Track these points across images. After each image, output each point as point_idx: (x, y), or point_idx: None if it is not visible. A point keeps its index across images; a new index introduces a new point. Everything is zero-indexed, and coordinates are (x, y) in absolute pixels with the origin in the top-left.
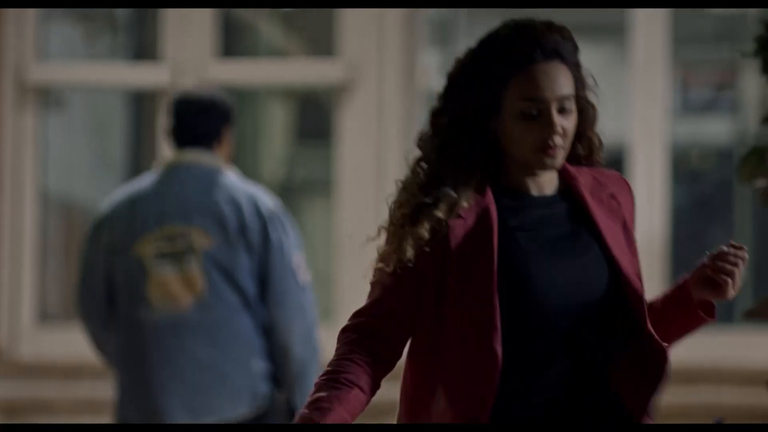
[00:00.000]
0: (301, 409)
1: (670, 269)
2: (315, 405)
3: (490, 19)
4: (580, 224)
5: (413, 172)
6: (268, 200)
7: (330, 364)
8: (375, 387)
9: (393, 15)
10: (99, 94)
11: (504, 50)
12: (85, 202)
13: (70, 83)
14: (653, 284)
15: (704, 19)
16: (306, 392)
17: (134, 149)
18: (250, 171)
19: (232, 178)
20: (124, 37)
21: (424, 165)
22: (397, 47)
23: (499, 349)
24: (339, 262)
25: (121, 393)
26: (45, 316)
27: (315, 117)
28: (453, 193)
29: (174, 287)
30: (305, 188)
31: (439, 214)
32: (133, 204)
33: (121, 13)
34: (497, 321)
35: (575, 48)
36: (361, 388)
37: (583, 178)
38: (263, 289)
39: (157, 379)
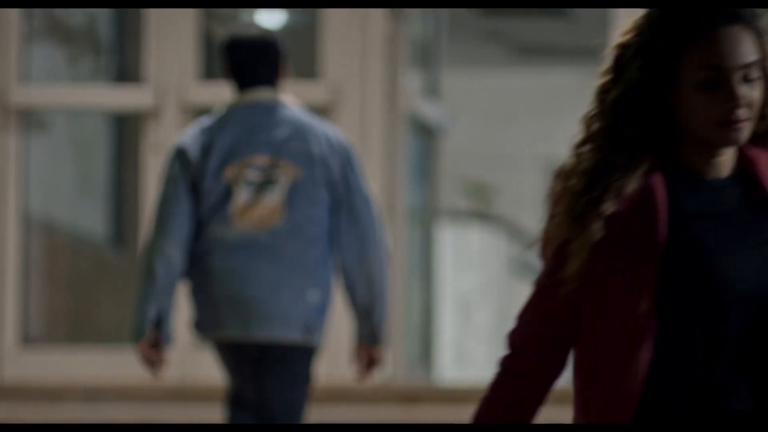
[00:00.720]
0: (480, 407)
1: None
2: (493, 405)
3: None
4: (758, 212)
5: (577, 157)
6: (341, 135)
7: (503, 369)
8: (548, 389)
9: (375, 37)
10: (82, 116)
11: (680, 14)
12: (67, 223)
13: (52, 105)
14: None
15: None
16: (380, 316)
17: (117, 171)
18: None
19: (305, 114)
20: (106, 59)
21: (589, 149)
22: (380, 69)
23: (648, 349)
24: None
25: (197, 305)
26: (27, 339)
27: None
28: (622, 182)
29: (255, 212)
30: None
31: (607, 209)
32: (219, 135)
33: (104, 35)
34: (653, 316)
35: (758, 12)
36: (537, 393)
37: (763, 158)
38: (340, 221)
39: (223, 291)
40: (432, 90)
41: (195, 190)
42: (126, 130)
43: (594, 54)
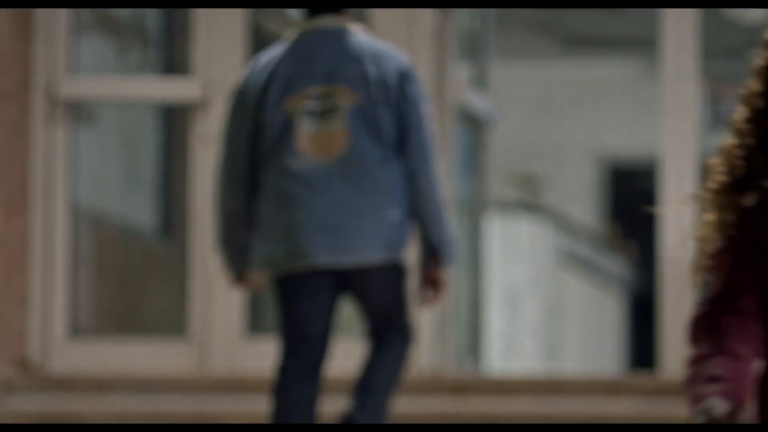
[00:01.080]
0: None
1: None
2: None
3: (520, 32)
4: None
5: (739, 133)
6: (402, 57)
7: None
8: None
9: (423, 29)
10: (130, 108)
11: None
12: (116, 215)
13: (101, 97)
14: (683, 299)
15: (734, 31)
16: (441, 231)
17: (165, 163)
18: None
19: (366, 38)
20: (154, 51)
21: (752, 125)
22: (428, 61)
23: None
24: None
25: (266, 235)
26: (76, 331)
27: None
28: None
29: (320, 142)
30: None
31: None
32: (279, 66)
33: (152, 28)
34: None
35: None
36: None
37: None
38: (401, 140)
39: (303, 221)
40: (480, 82)
41: (257, 123)
42: (174, 121)
43: (642, 45)
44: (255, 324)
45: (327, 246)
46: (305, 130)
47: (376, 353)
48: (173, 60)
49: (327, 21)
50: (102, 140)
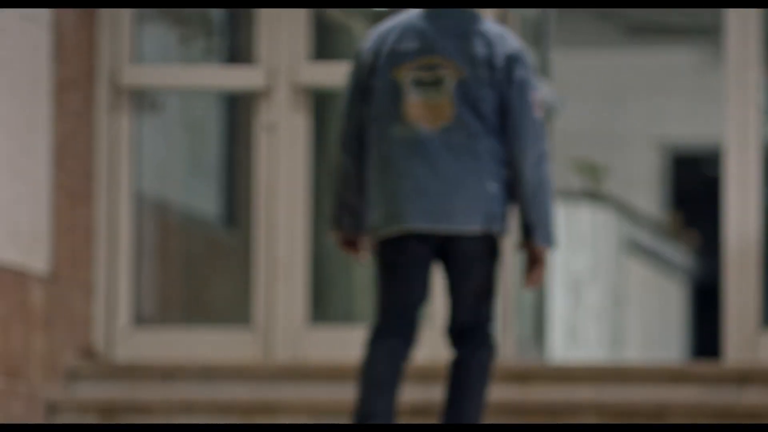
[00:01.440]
0: None
1: (764, 270)
2: None
3: (581, 18)
4: None
5: None
6: (514, 41)
7: None
8: None
9: (486, 17)
10: (193, 97)
11: None
12: (180, 204)
13: (164, 86)
14: (747, 286)
15: None
16: (538, 211)
17: (229, 151)
18: None
19: (483, 20)
20: (218, 40)
21: None
22: None
23: None
24: None
25: (372, 202)
26: (140, 319)
27: None
28: None
29: (426, 111)
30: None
31: None
32: (391, 35)
33: (216, 16)
34: None
35: None
36: None
37: None
38: (503, 120)
39: (402, 187)
40: (543, 70)
41: (368, 89)
42: (238, 110)
43: (705, 33)
44: (318, 313)
45: (425, 212)
46: (412, 98)
47: (463, 374)
48: (237, 49)
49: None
50: (166, 129)
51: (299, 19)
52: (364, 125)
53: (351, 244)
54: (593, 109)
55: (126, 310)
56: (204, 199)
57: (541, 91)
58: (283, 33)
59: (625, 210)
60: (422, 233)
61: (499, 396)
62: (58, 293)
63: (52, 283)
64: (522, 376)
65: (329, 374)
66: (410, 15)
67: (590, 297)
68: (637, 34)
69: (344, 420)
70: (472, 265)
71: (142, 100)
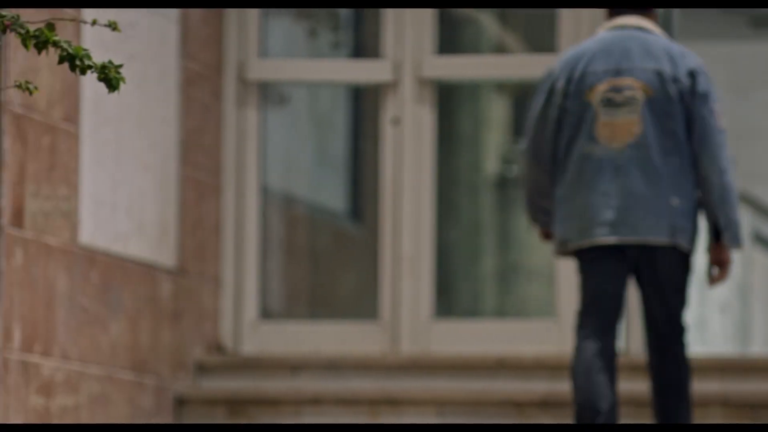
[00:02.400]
0: None
1: None
2: None
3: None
4: None
5: None
6: (694, 56)
7: None
8: None
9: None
10: (320, 90)
11: None
12: (306, 197)
13: (291, 79)
14: None
15: None
16: (726, 215)
17: (355, 145)
18: (471, 165)
19: (664, 39)
20: (344, 34)
21: None
22: None
23: None
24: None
25: (562, 213)
26: (267, 313)
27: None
28: None
29: (616, 130)
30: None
31: None
32: (585, 59)
33: (342, 10)
34: None
35: None
36: None
37: None
38: (689, 132)
39: (593, 201)
40: None
41: (561, 110)
42: (364, 103)
43: None
44: (443, 307)
45: (614, 225)
46: (603, 118)
47: (666, 380)
48: (363, 42)
49: (632, 20)
50: (292, 122)
51: (424, 12)
52: (557, 145)
53: (550, 234)
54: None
55: (253, 304)
56: (330, 193)
57: (722, 103)
58: (408, 26)
59: (751, 202)
60: (612, 245)
61: (625, 390)
62: (185, 287)
63: (180, 277)
64: (645, 369)
65: (454, 367)
66: (597, 39)
67: (716, 291)
68: (761, 26)
69: (468, 412)
70: (662, 275)
71: (269, 93)
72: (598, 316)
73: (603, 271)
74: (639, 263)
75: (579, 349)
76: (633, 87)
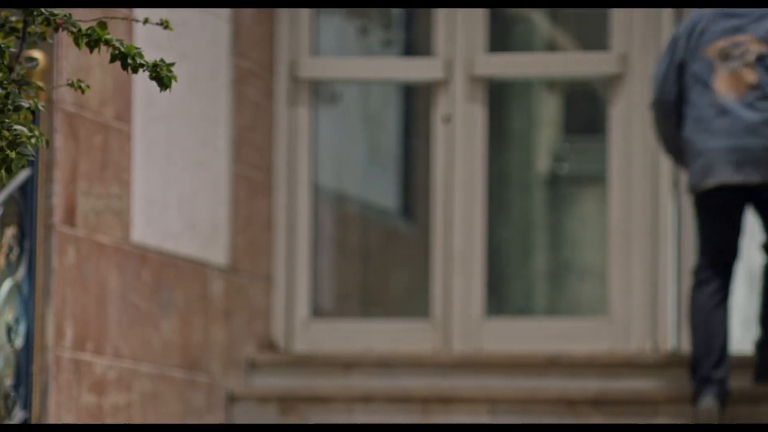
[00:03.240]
0: None
1: None
2: None
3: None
4: None
5: None
6: None
7: None
8: None
9: (665, 9)
10: (371, 88)
11: None
12: (358, 196)
13: (343, 78)
14: None
15: None
16: None
17: (406, 142)
18: (522, 162)
19: None
20: (396, 32)
21: None
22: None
23: None
24: (611, 254)
25: (690, 160)
26: (318, 312)
27: (583, 109)
28: None
29: (733, 82)
30: (575, 180)
31: None
32: (704, 20)
33: (394, 9)
34: None
35: None
36: None
37: None
38: None
39: (715, 145)
40: None
41: (683, 67)
42: (416, 101)
43: None
44: (494, 305)
45: (736, 165)
46: (722, 72)
47: None
48: (415, 40)
49: None
50: (344, 120)
51: (476, 10)
52: (682, 98)
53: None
54: None
55: (305, 302)
56: (381, 191)
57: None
58: (460, 25)
59: None
60: (733, 185)
61: (673, 385)
62: (237, 285)
63: (232, 275)
64: None
65: (506, 365)
66: (712, 9)
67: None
68: None
69: (520, 411)
70: None
71: (321, 91)
72: (716, 261)
73: (723, 214)
74: (761, 199)
75: (695, 291)
76: (746, 43)
